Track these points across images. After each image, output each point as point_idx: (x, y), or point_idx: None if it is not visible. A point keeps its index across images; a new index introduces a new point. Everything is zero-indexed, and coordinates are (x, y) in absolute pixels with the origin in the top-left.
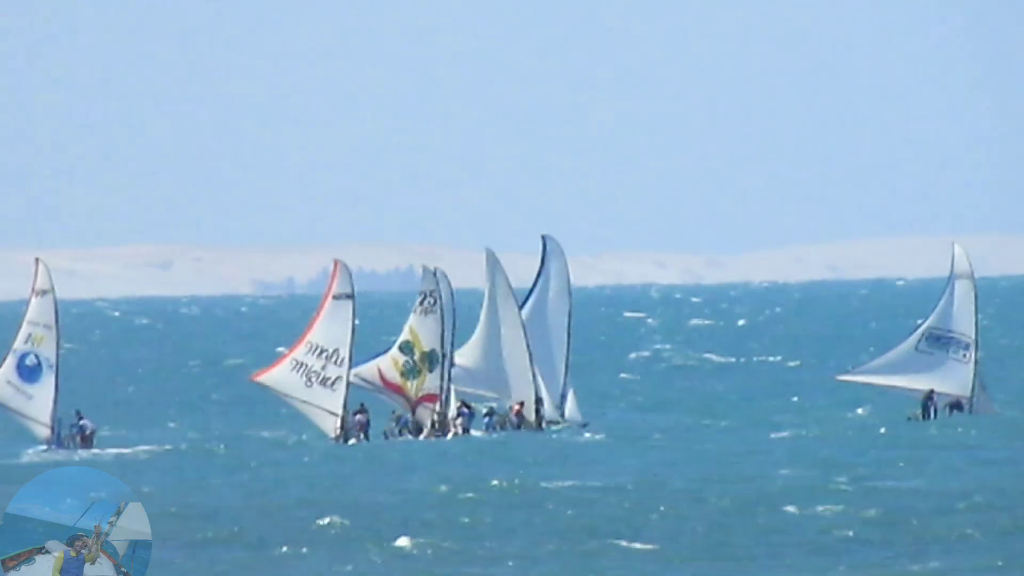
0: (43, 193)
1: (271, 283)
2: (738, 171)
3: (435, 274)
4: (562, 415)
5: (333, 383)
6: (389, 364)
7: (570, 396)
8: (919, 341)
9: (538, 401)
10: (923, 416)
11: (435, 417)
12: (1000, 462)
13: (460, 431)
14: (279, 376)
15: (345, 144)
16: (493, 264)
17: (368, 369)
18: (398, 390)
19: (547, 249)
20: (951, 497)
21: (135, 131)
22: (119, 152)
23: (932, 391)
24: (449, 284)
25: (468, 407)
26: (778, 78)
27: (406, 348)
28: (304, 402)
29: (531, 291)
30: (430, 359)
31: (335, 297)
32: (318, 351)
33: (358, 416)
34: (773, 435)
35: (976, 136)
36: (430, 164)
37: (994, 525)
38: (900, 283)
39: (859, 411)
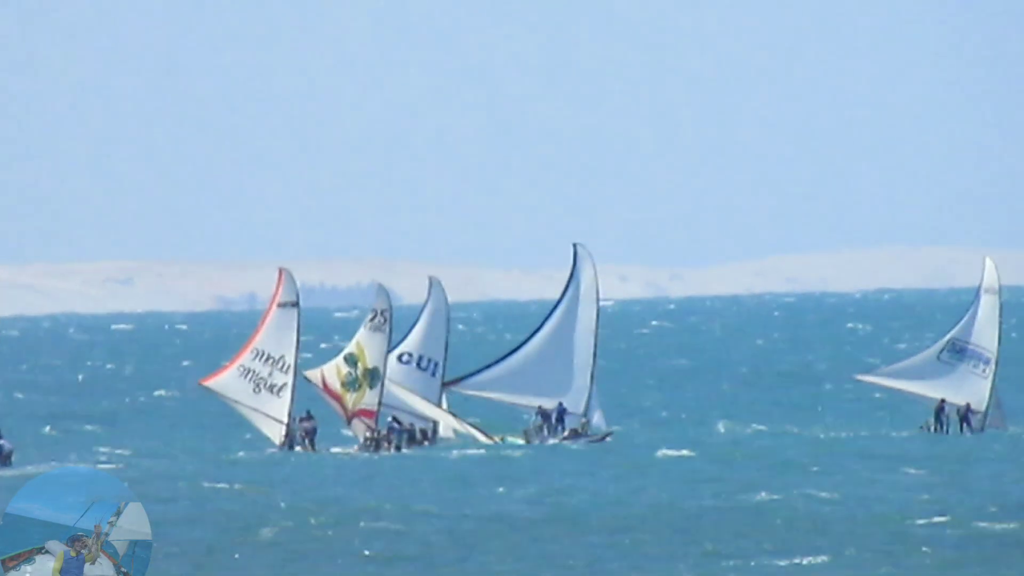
0: (4, 210)
1: (232, 298)
2: (701, 185)
3: (388, 293)
4: (589, 424)
5: (279, 390)
6: (332, 371)
7: (595, 404)
8: (941, 350)
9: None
10: (935, 425)
11: (368, 433)
12: None
13: (392, 447)
14: (227, 381)
15: (308, 159)
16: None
17: (313, 372)
18: (336, 399)
19: (577, 257)
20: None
21: (97, 147)
22: (81, 168)
23: (943, 401)
24: (447, 298)
25: (399, 423)
26: (739, 94)
27: (350, 360)
28: (251, 408)
29: (560, 299)
30: (372, 376)
31: (280, 305)
32: (264, 357)
33: (304, 423)
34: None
35: (934, 150)
36: (391, 178)
37: None
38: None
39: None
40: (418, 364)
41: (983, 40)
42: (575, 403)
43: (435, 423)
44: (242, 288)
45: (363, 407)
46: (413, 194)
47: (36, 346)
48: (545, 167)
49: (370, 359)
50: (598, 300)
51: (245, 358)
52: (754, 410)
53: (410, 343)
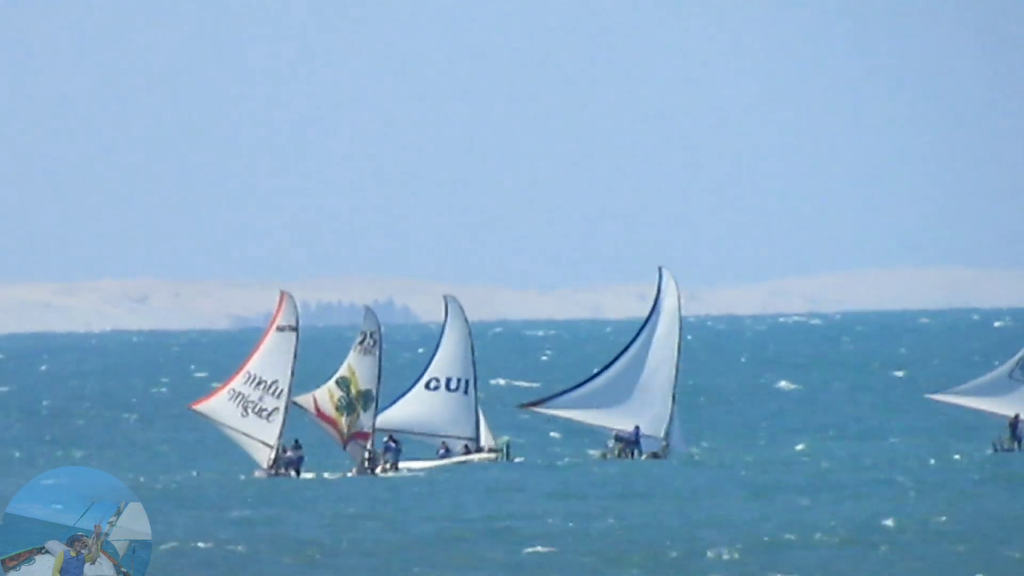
0: (21, 227)
1: (248, 317)
2: (718, 205)
3: (376, 316)
4: (667, 447)
5: (269, 414)
6: (325, 396)
7: (676, 426)
8: (1014, 368)
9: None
10: (1012, 439)
11: (366, 455)
12: None
13: (388, 467)
14: (216, 405)
15: (325, 178)
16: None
17: (304, 398)
18: (331, 423)
19: (662, 281)
20: None
21: (113, 163)
22: (97, 185)
23: (1018, 416)
24: (466, 315)
25: (395, 442)
26: (752, 112)
27: (343, 384)
28: (238, 432)
29: (646, 322)
30: (365, 398)
31: (279, 329)
32: (256, 381)
33: (290, 453)
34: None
35: (948, 171)
36: (407, 198)
37: None
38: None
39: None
40: (447, 386)
41: (1008, 55)
42: (655, 426)
43: (476, 442)
44: (259, 308)
45: (358, 430)
46: (429, 214)
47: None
48: (560, 186)
49: (362, 381)
50: (681, 324)
51: (237, 381)
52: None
53: (435, 368)
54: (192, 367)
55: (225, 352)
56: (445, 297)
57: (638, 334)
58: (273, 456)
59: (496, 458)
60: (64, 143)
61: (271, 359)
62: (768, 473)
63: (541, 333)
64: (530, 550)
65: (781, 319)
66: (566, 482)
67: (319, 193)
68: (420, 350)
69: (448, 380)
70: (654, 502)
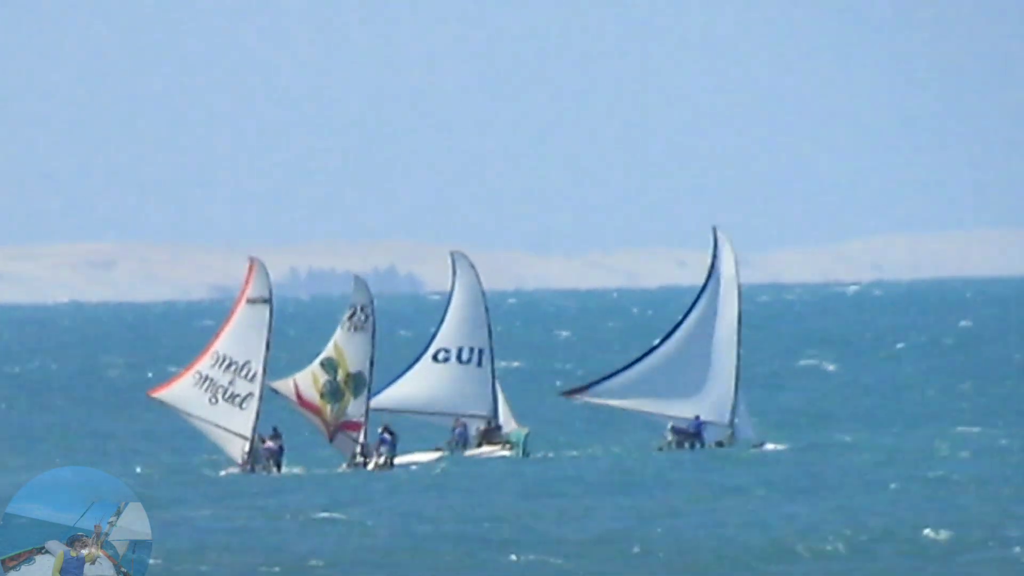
0: None
1: (229, 286)
2: (768, 159)
3: (367, 287)
4: (733, 435)
5: (242, 401)
6: (308, 380)
7: (743, 411)
8: None
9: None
10: None
11: (357, 448)
12: None
13: (383, 461)
14: (180, 392)
15: (315, 132)
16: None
17: (284, 383)
18: (315, 411)
19: (717, 244)
20: None
21: (76, 115)
22: (58, 139)
23: None
24: (477, 278)
25: (391, 433)
26: (816, 60)
27: (328, 366)
28: (208, 422)
29: (701, 292)
30: (356, 382)
31: (250, 301)
32: (225, 363)
33: (268, 443)
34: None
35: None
36: (412, 152)
37: None
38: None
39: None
40: (458, 358)
41: None
42: (718, 412)
43: (495, 420)
44: (241, 276)
45: (348, 419)
46: (438, 170)
47: None
48: (588, 134)
49: (352, 363)
50: (740, 293)
51: (203, 364)
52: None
53: (443, 337)
54: (162, 344)
55: (201, 327)
56: (452, 255)
57: (692, 306)
58: (248, 448)
59: (512, 452)
60: (19, 87)
61: (242, 337)
62: (819, 467)
63: (564, 304)
64: (531, 557)
65: (837, 289)
66: (585, 478)
67: (310, 144)
68: (429, 328)
69: (460, 350)
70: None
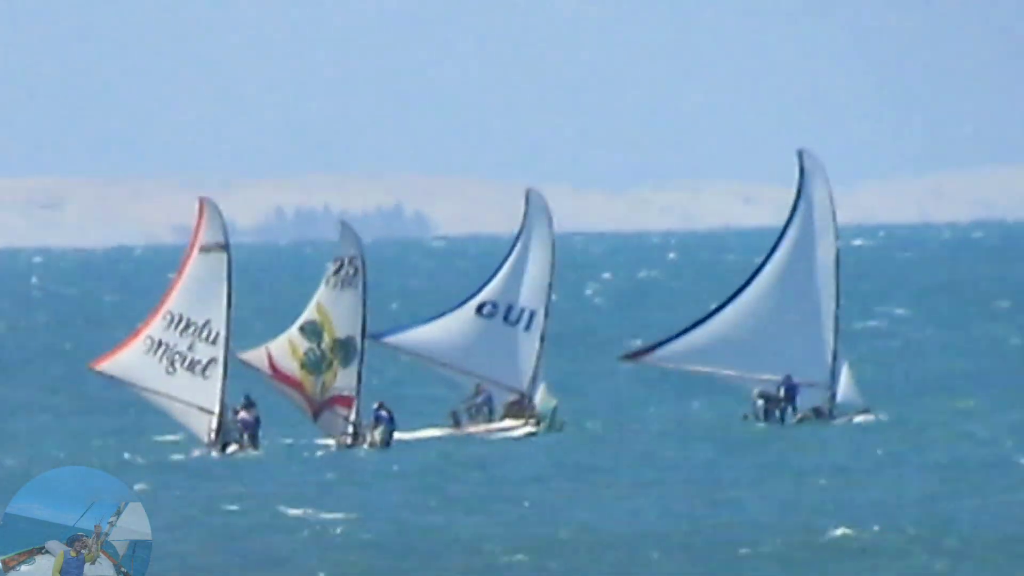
0: None
1: None
2: (850, 79)
3: (356, 236)
4: (833, 399)
5: (205, 368)
6: (284, 349)
7: (845, 372)
8: None
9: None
10: None
11: (348, 428)
12: None
13: (377, 441)
14: (129, 362)
15: (305, 45)
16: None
17: (255, 354)
18: (295, 386)
19: (805, 172)
20: None
21: (20, 29)
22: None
23: None
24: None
25: (387, 411)
26: None
27: (311, 331)
28: (166, 395)
29: (785, 229)
30: (344, 350)
31: (203, 249)
32: (181, 324)
33: (242, 414)
34: None
35: None
36: (416, 72)
37: None
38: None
39: None
40: (505, 316)
41: None
42: (815, 372)
43: (529, 396)
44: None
45: (336, 393)
46: (451, 90)
47: None
48: (631, 49)
49: (339, 327)
50: (836, 229)
51: (154, 326)
52: None
53: (495, 289)
54: (114, 301)
55: (167, 280)
56: (528, 192)
57: (774, 248)
58: (216, 424)
59: (539, 427)
60: None
61: (197, 292)
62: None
63: (603, 250)
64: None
65: (930, 230)
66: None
67: (299, 60)
68: (445, 278)
69: (508, 309)
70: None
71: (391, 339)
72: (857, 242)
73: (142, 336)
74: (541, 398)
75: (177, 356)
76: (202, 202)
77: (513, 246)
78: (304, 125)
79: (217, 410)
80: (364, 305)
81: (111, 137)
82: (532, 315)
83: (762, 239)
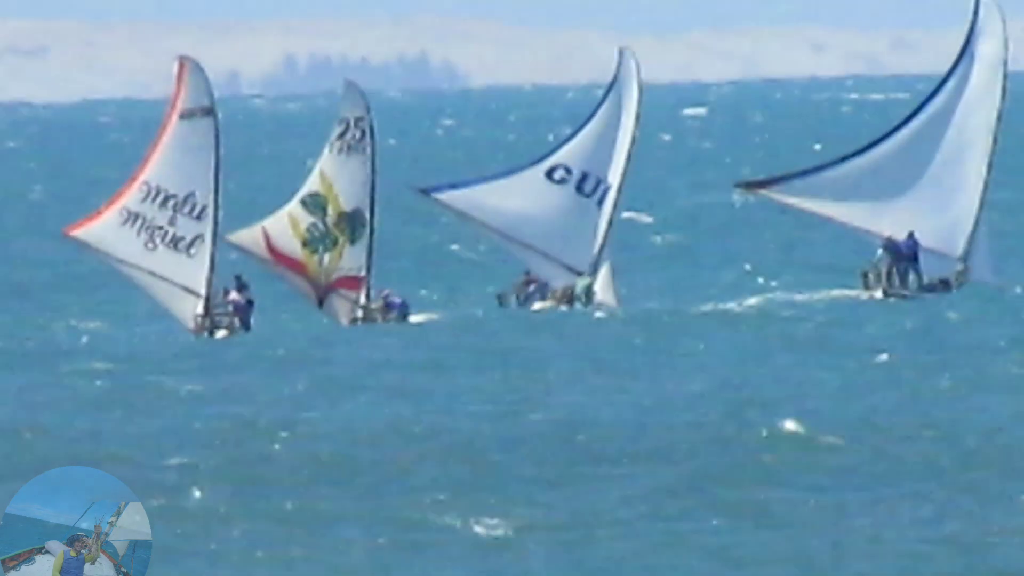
0: None
1: None
2: None
3: (363, 94)
4: (965, 273)
5: (190, 245)
6: (283, 226)
7: (983, 242)
8: None
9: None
10: None
11: (357, 313)
12: None
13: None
14: (103, 231)
15: None
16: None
17: (248, 234)
18: (296, 267)
19: (979, 11)
20: None
21: None
22: None
23: None
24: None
25: (399, 298)
26: None
27: (314, 204)
28: (145, 271)
29: (948, 76)
30: (351, 224)
31: (184, 116)
32: (160, 197)
33: (233, 296)
34: None
35: None
36: None
37: None
38: None
39: None
40: (578, 186)
41: None
42: (947, 239)
43: (590, 284)
44: (219, 64)
45: (342, 275)
46: None
47: None
48: None
49: (345, 198)
50: (1005, 76)
51: (130, 198)
52: None
53: (570, 152)
54: (101, 161)
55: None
56: (621, 51)
57: (932, 96)
58: (203, 308)
59: (567, 308)
60: None
61: (178, 162)
62: None
63: (656, 102)
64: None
65: None
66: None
67: None
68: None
69: (584, 177)
70: None
71: (442, 195)
72: None
73: (117, 207)
74: (604, 291)
75: (157, 231)
76: (181, 62)
77: (597, 107)
78: None
79: (204, 292)
80: (373, 172)
81: None
82: (606, 190)
83: (832, 89)
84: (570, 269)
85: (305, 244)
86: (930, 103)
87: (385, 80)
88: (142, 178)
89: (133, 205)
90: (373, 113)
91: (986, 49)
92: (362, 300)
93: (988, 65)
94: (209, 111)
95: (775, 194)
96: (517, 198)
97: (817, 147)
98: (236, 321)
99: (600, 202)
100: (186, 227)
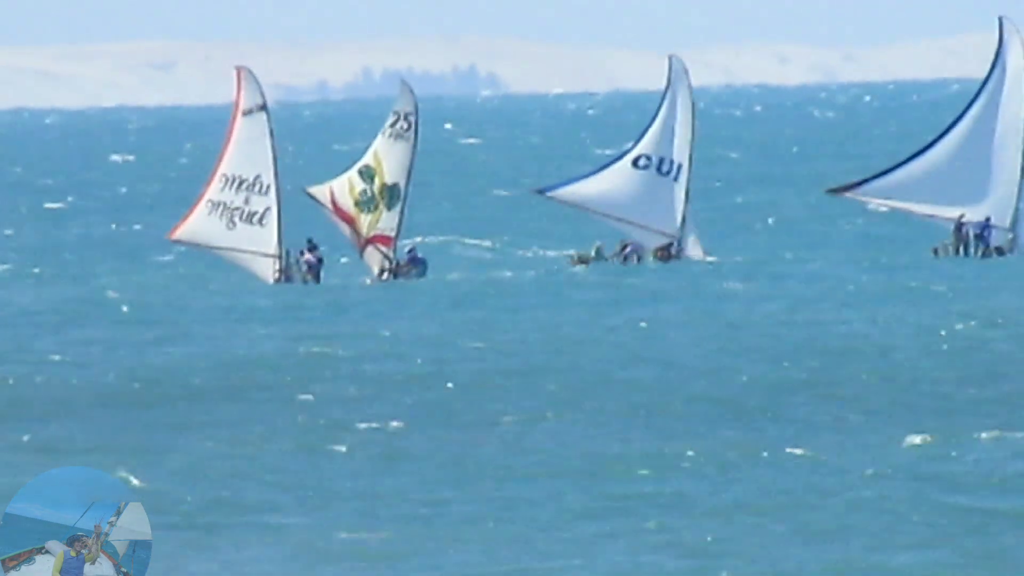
0: None
1: (299, 87)
2: None
3: (412, 92)
4: (1016, 242)
5: (261, 217)
6: (344, 187)
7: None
8: None
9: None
10: None
11: (385, 264)
12: None
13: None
14: (196, 226)
15: None
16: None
17: (320, 189)
18: (349, 220)
19: (1004, 34)
20: None
21: None
22: None
23: None
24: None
25: (420, 256)
26: None
27: (366, 174)
28: (231, 249)
29: (982, 87)
30: (390, 194)
31: (245, 113)
32: (236, 183)
33: (307, 256)
34: None
35: None
36: None
37: None
38: None
39: None
40: (658, 168)
41: None
42: (999, 215)
43: (679, 240)
44: (310, 75)
45: (379, 232)
46: None
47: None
48: None
49: (388, 173)
50: None
51: (212, 190)
52: None
53: (648, 143)
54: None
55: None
56: (670, 58)
57: (973, 101)
58: (279, 266)
59: (586, 265)
60: None
61: (246, 152)
62: None
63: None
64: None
65: (955, 85)
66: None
67: None
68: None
69: (661, 160)
70: None
71: (555, 193)
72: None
73: (204, 201)
74: (692, 247)
75: (236, 212)
76: (239, 71)
77: (660, 105)
78: None
79: (277, 252)
80: (413, 157)
81: (214, 4)
82: (680, 167)
83: (797, 95)
84: (661, 232)
85: (356, 204)
86: (971, 108)
87: (439, 87)
88: (220, 171)
89: (215, 196)
90: (418, 112)
91: (1012, 62)
92: (390, 253)
93: (1013, 75)
94: (263, 107)
95: (860, 196)
96: (614, 185)
97: (794, 149)
98: (309, 277)
99: (676, 178)
100: (257, 203)
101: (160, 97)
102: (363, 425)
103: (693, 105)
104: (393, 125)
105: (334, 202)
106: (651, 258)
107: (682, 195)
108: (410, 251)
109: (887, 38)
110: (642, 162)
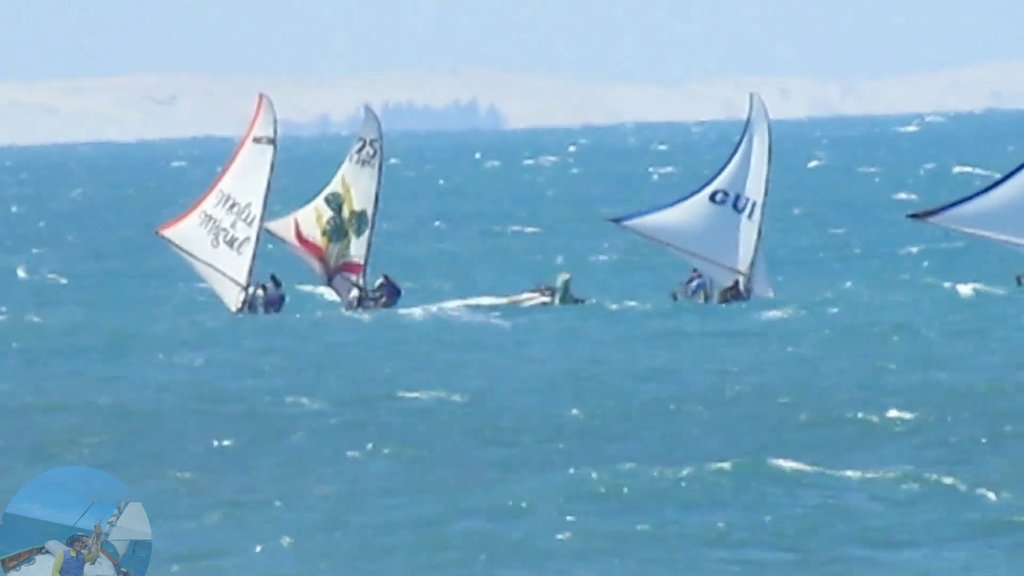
0: (16, 9)
1: (300, 122)
2: None
3: (378, 119)
4: None
5: (240, 245)
6: (311, 217)
7: None
8: None
9: None
10: None
11: (355, 292)
12: None
13: (383, 303)
14: (186, 232)
15: None
16: None
17: (282, 223)
18: (316, 252)
19: None
20: None
21: None
22: None
23: None
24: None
25: (393, 284)
26: None
27: (333, 202)
28: (208, 264)
29: None
30: (359, 221)
31: (255, 140)
32: (229, 203)
33: (267, 290)
34: None
35: None
36: None
37: None
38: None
39: None
40: (735, 205)
41: None
42: None
43: (747, 278)
44: (313, 110)
45: (348, 260)
46: None
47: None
48: None
49: (357, 200)
50: None
51: (209, 202)
52: None
53: (726, 179)
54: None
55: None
56: (751, 96)
57: None
58: (242, 298)
59: (550, 300)
60: None
61: (246, 176)
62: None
63: (663, 147)
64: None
65: (928, 119)
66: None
67: None
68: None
69: (737, 197)
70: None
71: (630, 223)
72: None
73: (198, 210)
74: (761, 286)
75: (221, 232)
76: (261, 97)
77: (739, 142)
78: (389, 25)
79: (244, 283)
80: (379, 183)
81: (217, 38)
82: (754, 205)
83: (799, 128)
84: (732, 269)
85: (324, 233)
86: None
87: (441, 121)
88: (219, 186)
89: (209, 208)
90: (383, 139)
91: None
92: (360, 282)
93: None
94: (271, 141)
95: (942, 221)
96: (690, 218)
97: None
98: (270, 311)
99: (751, 215)
100: (241, 230)
101: (163, 130)
102: (351, 453)
103: (770, 144)
104: (360, 151)
105: (299, 234)
106: (715, 299)
107: (755, 233)
108: (381, 281)
109: (888, 71)
110: (719, 197)
